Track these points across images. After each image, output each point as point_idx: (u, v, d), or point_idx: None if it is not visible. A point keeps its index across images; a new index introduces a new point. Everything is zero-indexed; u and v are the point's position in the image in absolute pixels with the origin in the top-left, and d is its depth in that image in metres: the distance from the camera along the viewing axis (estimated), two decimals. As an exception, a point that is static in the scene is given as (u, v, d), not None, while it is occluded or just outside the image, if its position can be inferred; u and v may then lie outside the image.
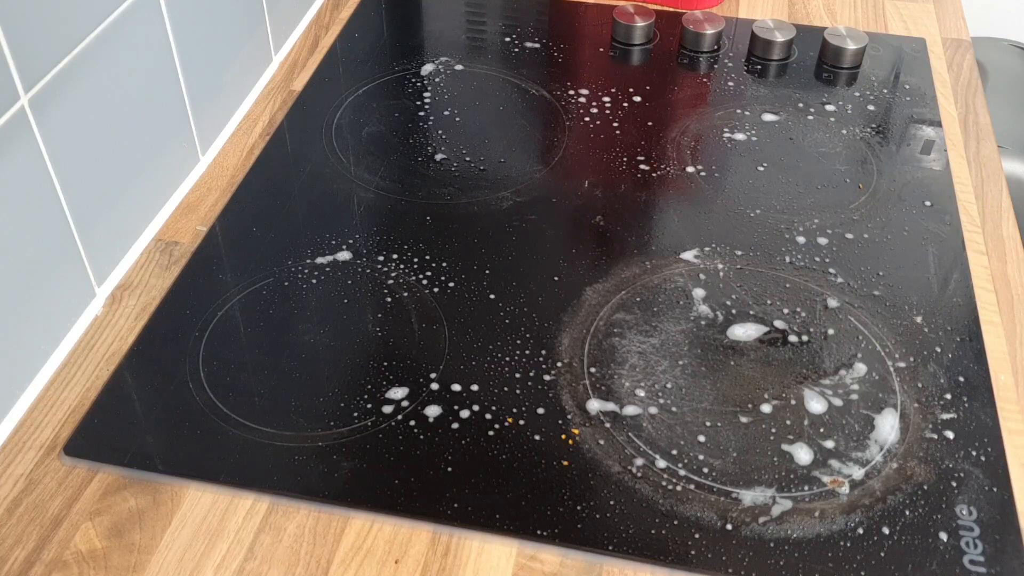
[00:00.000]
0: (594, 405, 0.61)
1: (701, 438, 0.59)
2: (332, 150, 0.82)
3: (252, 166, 0.80)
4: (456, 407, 0.61)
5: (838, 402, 0.61)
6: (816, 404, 0.61)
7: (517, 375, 0.63)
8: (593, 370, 0.63)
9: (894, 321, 0.67)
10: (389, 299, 0.68)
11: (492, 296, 0.68)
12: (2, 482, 0.57)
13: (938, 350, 0.65)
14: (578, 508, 0.56)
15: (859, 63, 0.91)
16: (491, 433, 0.59)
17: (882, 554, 0.54)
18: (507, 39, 0.96)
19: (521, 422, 0.60)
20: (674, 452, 0.58)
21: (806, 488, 0.57)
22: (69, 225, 0.65)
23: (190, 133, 0.79)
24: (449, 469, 0.57)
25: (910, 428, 0.60)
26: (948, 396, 0.62)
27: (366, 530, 0.55)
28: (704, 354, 0.64)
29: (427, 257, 0.71)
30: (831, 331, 0.66)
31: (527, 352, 0.64)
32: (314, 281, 0.69)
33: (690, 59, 0.93)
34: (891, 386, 0.62)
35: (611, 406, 0.61)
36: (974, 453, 0.59)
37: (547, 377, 0.63)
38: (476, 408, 0.61)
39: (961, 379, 0.63)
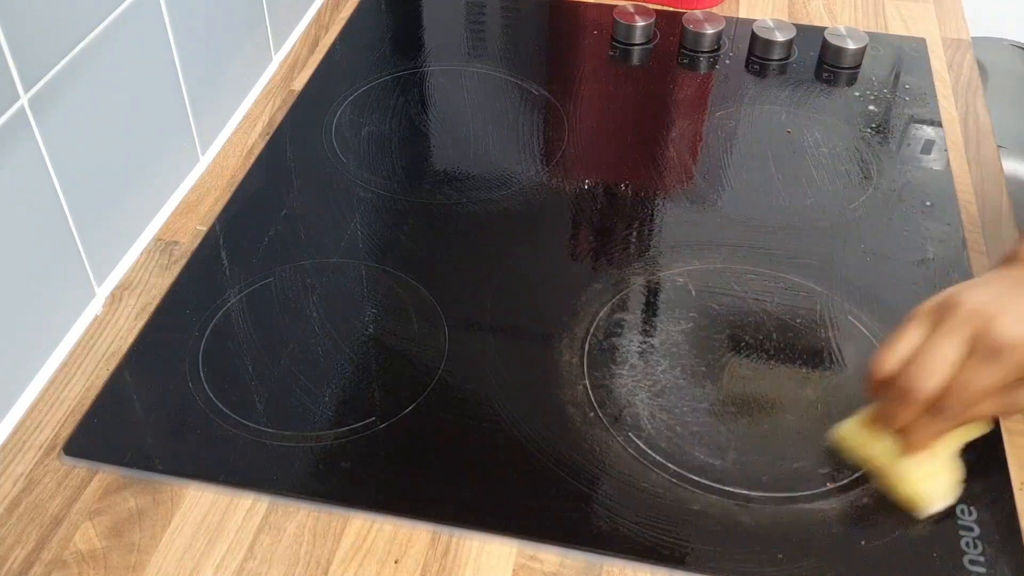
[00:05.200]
0: (594, 405, 0.61)
1: (701, 438, 0.59)
2: (332, 150, 0.82)
3: (252, 166, 0.80)
4: (456, 407, 0.61)
5: (838, 402, 0.61)
6: (816, 404, 0.61)
7: (517, 375, 0.63)
8: (593, 370, 0.63)
9: (894, 321, 0.66)
10: (389, 299, 0.68)
11: (492, 296, 0.68)
12: (2, 482, 0.57)
13: (938, 350, 0.64)
14: (578, 508, 0.56)
15: (859, 63, 0.91)
16: (491, 433, 0.59)
17: (881, 554, 0.54)
18: (507, 39, 0.96)
19: (522, 422, 0.60)
20: (674, 452, 0.58)
21: (806, 488, 0.57)
22: (69, 225, 0.65)
23: (190, 133, 0.79)
24: (449, 469, 0.57)
25: (910, 428, 0.60)
26: (948, 396, 0.62)
27: (366, 530, 0.55)
28: (704, 354, 0.64)
29: (427, 257, 0.71)
30: (831, 332, 0.66)
31: (527, 352, 0.64)
32: (314, 281, 0.69)
33: (690, 59, 0.93)
34: (891, 386, 0.62)
35: (611, 406, 0.61)
36: (974, 453, 0.58)
37: (547, 377, 0.63)
38: (476, 408, 0.61)
39: (961, 379, 0.63)
